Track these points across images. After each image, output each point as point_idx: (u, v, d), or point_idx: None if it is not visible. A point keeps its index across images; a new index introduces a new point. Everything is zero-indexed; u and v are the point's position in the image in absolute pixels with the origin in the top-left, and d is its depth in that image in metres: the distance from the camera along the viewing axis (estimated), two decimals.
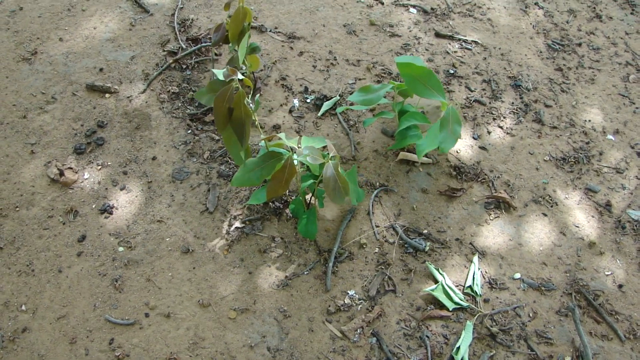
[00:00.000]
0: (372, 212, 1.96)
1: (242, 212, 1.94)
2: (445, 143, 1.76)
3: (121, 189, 1.97)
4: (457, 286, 1.81)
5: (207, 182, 2.02)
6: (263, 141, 1.73)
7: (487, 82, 2.49)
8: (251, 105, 1.50)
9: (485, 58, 2.61)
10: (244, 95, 1.44)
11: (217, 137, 2.13)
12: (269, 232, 1.89)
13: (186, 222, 1.90)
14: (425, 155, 2.17)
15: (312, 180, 1.69)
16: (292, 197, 1.99)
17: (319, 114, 2.28)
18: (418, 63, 1.94)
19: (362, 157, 2.15)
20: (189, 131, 2.16)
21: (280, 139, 1.61)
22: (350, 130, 2.24)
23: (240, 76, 1.44)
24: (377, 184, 2.06)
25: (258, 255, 1.84)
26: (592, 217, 2.04)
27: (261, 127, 2.21)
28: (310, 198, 1.90)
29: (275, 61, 2.46)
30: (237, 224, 1.89)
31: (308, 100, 2.33)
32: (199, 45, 2.44)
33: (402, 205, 2.01)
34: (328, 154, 1.57)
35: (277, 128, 2.21)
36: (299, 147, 1.59)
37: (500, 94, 2.45)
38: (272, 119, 2.25)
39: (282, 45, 2.51)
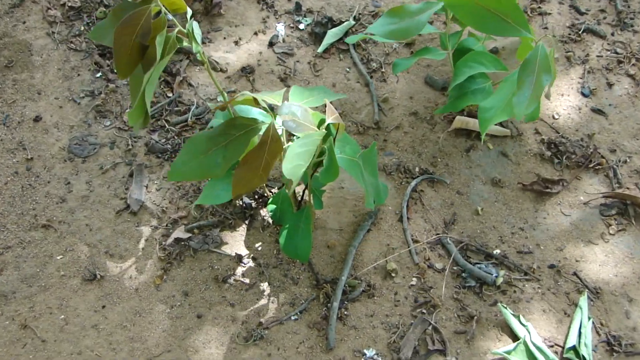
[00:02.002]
0: (408, 218, 1.96)
1: (187, 212, 1.93)
2: (521, 104, 1.71)
3: None
4: (552, 346, 1.77)
5: (128, 160, 2.01)
6: (221, 96, 1.72)
7: None
8: (198, 49, 1.48)
9: None
10: (163, 25, 1.43)
11: None
12: (233, 247, 1.89)
13: (92, 229, 1.89)
14: (500, 124, 2.15)
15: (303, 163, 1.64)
16: (273, 190, 1.97)
17: (320, 50, 2.28)
18: None
19: (392, 123, 2.14)
20: (99, 74, 2.16)
21: (248, 94, 1.57)
22: (372, 78, 2.23)
23: None
24: (417, 169, 2.06)
25: (213, 286, 1.82)
26: None
27: (222, 71, 2.20)
28: (303, 193, 1.88)
29: None
30: (179, 233, 1.88)
31: (301, 27, 2.34)
32: None
33: (457, 206, 2.00)
34: (324, 118, 1.53)
35: (248, 72, 2.20)
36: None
37: (631, 18, 2.43)
38: (239, 57, 2.24)
39: None
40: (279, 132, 1.52)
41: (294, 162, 1.41)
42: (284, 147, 1.58)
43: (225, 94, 1.71)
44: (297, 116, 1.49)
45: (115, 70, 2.14)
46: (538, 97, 1.72)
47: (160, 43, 1.44)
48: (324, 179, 1.57)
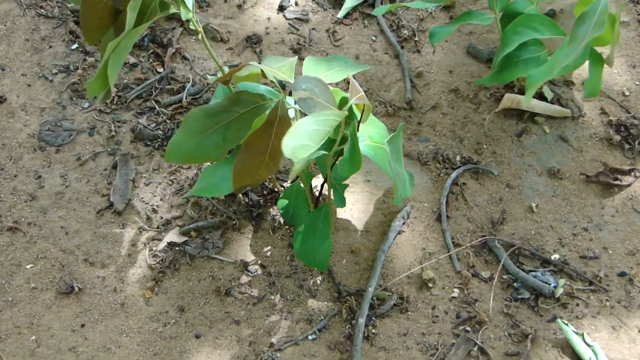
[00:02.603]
0: (448, 216, 1.97)
1: (182, 211, 1.93)
2: (565, 61, 1.72)
3: None
4: None
5: (111, 149, 2.02)
6: (221, 72, 1.71)
7: None
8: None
9: None
10: None
11: (131, 59, 2.12)
12: (237, 253, 1.89)
13: (68, 232, 1.89)
14: (559, 102, 2.13)
15: (321, 150, 1.64)
16: (285, 185, 1.97)
17: (340, 15, 2.30)
18: None
19: (428, 103, 2.14)
20: (75, 46, 2.17)
21: (255, 66, 1.56)
22: (403, 48, 2.24)
23: None
24: (458, 158, 2.06)
25: (214, 300, 1.82)
26: None
27: (222, 41, 2.21)
28: (321, 187, 1.87)
29: None
30: (173, 236, 1.89)
31: None
32: None
33: (507, 202, 2.01)
34: (347, 97, 1.51)
35: (254, 42, 2.22)
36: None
37: None
38: (243, 24, 2.25)
39: None
40: (291, 113, 1.51)
41: (299, 140, 1.37)
42: None
43: (227, 70, 1.70)
44: (316, 93, 1.47)
45: (82, 36, 2.15)
46: (584, 53, 1.76)
47: (134, 8, 1.42)
48: (344, 171, 1.57)
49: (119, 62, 1.47)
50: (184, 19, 1.52)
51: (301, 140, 1.35)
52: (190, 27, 2.18)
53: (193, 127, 1.55)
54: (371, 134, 1.68)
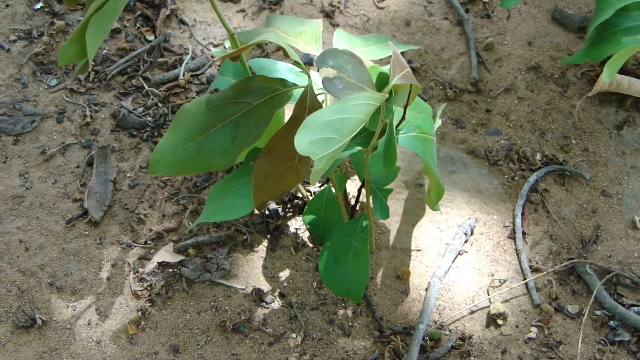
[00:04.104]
0: (524, 233, 1.96)
1: (177, 222, 1.94)
2: None
3: None
4: None
5: (85, 141, 2.03)
6: (229, 41, 1.70)
7: None
8: None
9: None
10: None
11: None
12: (249, 278, 1.89)
13: (29, 248, 1.89)
14: None
15: (355, 146, 1.66)
16: (311, 189, 1.99)
17: None
18: None
19: (500, 84, 2.16)
20: (39, 5, 2.19)
21: (266, 36, 1.55)
22: (468, 12, 2.26)
23: None
24: (539, 156, 2.06)
25: (218, 337, 1.81)
26: None
27: (232, 1, 2.24)
28: (358, 192, 1.88)
29: None
30: (165, 254, 1.90)
31: None
32: None
33: (602, 214, 2.00)
34: (387, 74, 1.51)
35: (273, 3, 2.23)
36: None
37: None
38: None
39: None
40: (321, 98, 1.51)
41: (317, 132, 1.35)
42: None
43: (237, 39, 1.68)
44: (347, 71, 1.46)
45: None
46: None
47: None
48: (375, 169, 1.59)
49: (104, 27, 1.45)
50: None
51: (321, 133, 1.34)
52: None
53: (189, 126, 1.54)
54: (419, 122, 1.67)
